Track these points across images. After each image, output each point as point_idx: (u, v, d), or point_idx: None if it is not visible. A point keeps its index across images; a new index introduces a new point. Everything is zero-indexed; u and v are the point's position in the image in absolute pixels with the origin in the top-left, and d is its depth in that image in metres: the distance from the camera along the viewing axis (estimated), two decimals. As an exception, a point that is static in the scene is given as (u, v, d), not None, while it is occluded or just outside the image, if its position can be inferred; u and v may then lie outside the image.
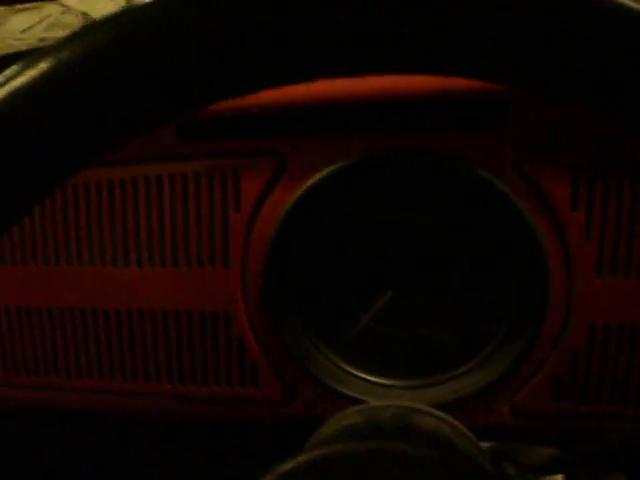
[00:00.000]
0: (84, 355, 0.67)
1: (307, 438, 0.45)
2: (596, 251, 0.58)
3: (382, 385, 0.65)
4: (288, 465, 0.36)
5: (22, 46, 1.42)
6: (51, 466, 0.64)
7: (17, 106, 0.24)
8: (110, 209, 0.64)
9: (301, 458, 0.36)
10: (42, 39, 1.36)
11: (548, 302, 0.59)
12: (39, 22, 1.63)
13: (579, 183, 0.57)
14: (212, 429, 0.69)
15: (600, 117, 0.54)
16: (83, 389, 0.68)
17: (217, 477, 0.66)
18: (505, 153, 0.58)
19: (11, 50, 1.16)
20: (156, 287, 0.64)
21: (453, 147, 0.59)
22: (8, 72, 0.24)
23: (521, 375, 0.61)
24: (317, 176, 0.60)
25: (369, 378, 0.65)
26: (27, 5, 1.54)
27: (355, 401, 0.61)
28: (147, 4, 0.25)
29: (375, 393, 0.63)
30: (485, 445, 0.50)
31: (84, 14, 1.57)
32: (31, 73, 0.25)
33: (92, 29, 0.25)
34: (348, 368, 0.65)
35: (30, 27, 1.63)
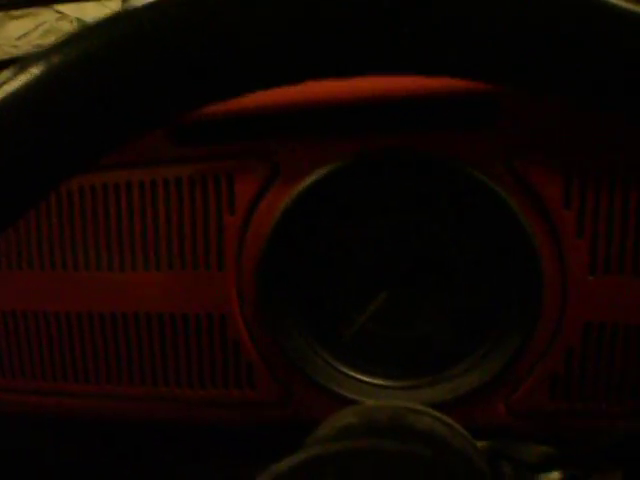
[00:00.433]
0: (80, 359, 0.67)
1: (303, 439, 0.45)
2: (589, 249, 0.58)
3: (378, 386, 0.65)
4: (282, 465, 0.36)
5: (18, 53, 1.42)
6: (48, 470, 0.64)
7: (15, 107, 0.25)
8: (105, 213, 0.64)
9: (295, 458, 0.37)
10: (37, 46, 1.37)
11: (542, 301, 0.59)
12: (34, 29, 1.63)
13: (571, 182, 0.58)
14: (209, 431, 0.69)
15: (591, 116, 0.54)
16: (79, 393, 0.68)
17: (214, 479, 0.66)
18: (497, 153, 0.58)
19: (7, 57, 1.16)
20: (151, 291, 0.64)
21: (444, 148, 0.59)
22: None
23: (517, 374, 0.61)
24: (310, 178, 0.60)
25: (365, 379, 0.65)
26: (23, 12, 1.54)
27: (351, 402, 0.61)
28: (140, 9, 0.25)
29: (371, 394, 0.63)
30: (481, 444, 0.51)
31: (79, 20, 1.57)
32: (22, 78, 0.25)
33: (87, 32, 0.25)
34: (344, 369, 0.65)
35: (25, 34, 1.63)
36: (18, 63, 0.25)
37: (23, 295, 0.68)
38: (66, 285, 0.66)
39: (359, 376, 0.65)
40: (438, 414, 0.52)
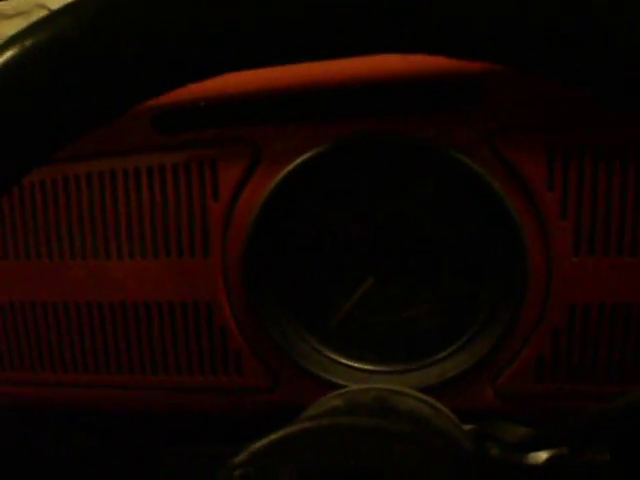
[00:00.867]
0: (68, 349, 0.67)
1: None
2: (573, 230, 0.58)
3: (365, 371, 0.65)
4: (261, 442, 0.37)
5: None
6: (39, 460, 0.64)
7: None
8: (89, 202, 0.64)
9: (273, 435, 0.37)
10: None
11: (527, 283, 0.59)
12: (26, 26, 1.62)
13: (554, 163, 0.57)
14: (197, 419, 0.69)
15: (574, 97, 0.54)
16: (66, 383, 0.68)
17: (202, 465, 0.66)
18: (480, 135, 0.58)
19: None
20: (137, 279, 0.64)
21: (427, 130, 0.59)
22: None
23: (503, 357, 0.61)
24: (293, 164, 0.60)
25: (352, 364, 0.65)
26: (15, 11, 1.54)
27: (339, 387, 0.60)
28: None
29: (358, 379, 0.63)
30: (467, 427, 0.51)
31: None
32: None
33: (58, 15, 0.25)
34: (331, 354, 0.65)
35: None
36: None
37: (10, 286, 0.68)
38: (51, 275, 0.66)
39: (346, 361, 0.65)
40: (423, 396, 0.53)
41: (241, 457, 0.36)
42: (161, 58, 0.26)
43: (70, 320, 0.67)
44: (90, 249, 0.65)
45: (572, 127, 0.57)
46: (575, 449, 0.49)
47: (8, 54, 0.25)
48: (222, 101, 0.60)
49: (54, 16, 0.26)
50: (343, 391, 0.54)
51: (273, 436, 0.36)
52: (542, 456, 0.46)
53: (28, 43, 0.25)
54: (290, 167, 0.60)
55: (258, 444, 0.36)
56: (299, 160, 0.60)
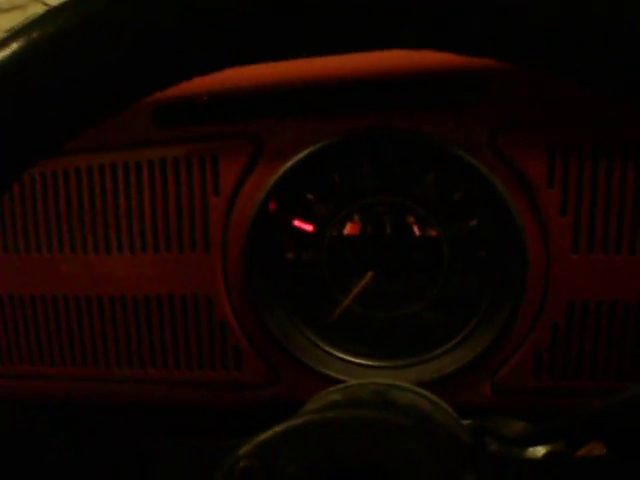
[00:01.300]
0: (67, 343, 0.67)
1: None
2: (572, 228, 0.58)
3: (364, 366, 0.65)
4: (265, 434, 0.37)
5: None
6: (34, 453, 0.64)
7: None
8: (90, 195, 0.64)
9: (276, 428, 0.37)
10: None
11: (526, 279, 0.59)
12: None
13: (554, 160, 0.58)
14: (196, 413, 0.69)
15: (575, 95, 0.54)
16: (66, 377, 0.68)
17: (202, 460, 0.66)
18: (481, 131, 0.58)
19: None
20: (137, 273, 0.64)
21: (429, 126, 0.59)
22: None
23: (501, 353, 0.61)
24: (294, 158, 0.60)
25: (351, 359, 0.65)
26: (11, 5, 1.54)
27: (338, 382, 0.59)
28: None
29: (357, 374, 0.63)
30: (466, 423, 0.51)
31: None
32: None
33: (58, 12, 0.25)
34: (330, 349, 0.65)
35: (14, 28, 1.62)
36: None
37: (8, 279, 0.68)
38: (51, 268, 0.66)
39: (346, 356, 0.65)
40: (422, 391, 0.52)
41: (245, 449, 0.36)
42: (164, 52, 0.25)
43: (69, 313, 0.67)
44: (90, 243, 0.65)
45: (573, 126, 0.58)
46: (573, 444, 0.49)
47: (10, 48, 0.25)
48: (224, 95, 0.60)
49: (55, 11, 0.26)
50: (342, 386, 0.54)
51: (277, 428, 0.36)
52: (540, 451, 0.47)
53: (31, 37, 0.25)
54: (291, 162, 0.60)
55: (262, 436, 0.36)
56: (300, 155, 0.60)
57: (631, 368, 0.59)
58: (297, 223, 0.64)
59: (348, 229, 0.64)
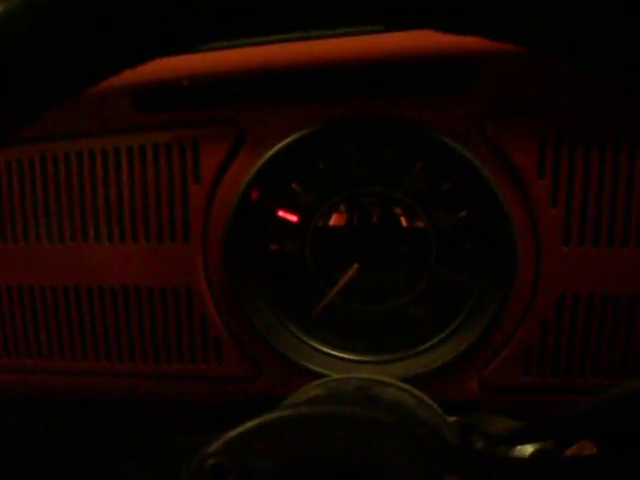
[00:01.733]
0: (44, 335, 0.65)
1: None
2: (563, 219, 0.56)
3: (349, 360, 0.64)
4: (235, 431, 0.35)
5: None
6: (13, 448, 0.62)
7: None
8: (67, 183, 0.62)
9: (249, 424, 0.35)
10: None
11: (515, 272, 0.58)
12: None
13: (545, 149, 0.56)
14: (176, 408, 0.67)
15: (567, 84, 0.52)
16: (43, 370, 0.66)
17: (171, 456, 0.64)
18: (471, 120, 0.57)
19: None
20: (116, 263, 0.63)
21: (417, 113, 0.57)
22: None
23: (489, 348, 0.60)
24: (278, 145, 0.58)
25: (335, 353, 0.64)
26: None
27: (321, 377, 0.59)
28: None
29: (341, 369, 0.62)
30: (452, 419, 0.49)
31: None
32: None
33: None
34: (314, 343, 0.64)
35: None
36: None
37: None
38: (27, 258, 0.65)
39: (330, 351, 0.64)
40: (407, 386, 0.51)
41: (214, 446, 0.34)
42: (134, 28, 0.24)
43: (46, 304, 0.65)
44: (68, 232, 0.63)
45: (565, 114, 0.56)
46: (561, 443, 0.48)
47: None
48: (206, 80, 0.58)
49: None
50: (324, 380, 0.53)
51: (248, 424, 0.35)
52: (528, 449, 0.46)
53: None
54: (275, 149, 0.59)
55: (232, 433, 0.34)
56: (284, 142, 0.58)
57: (623, 364, 0.58)
58: (281, 213, 0.63)
59: (333, 220, 0.63)
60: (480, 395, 0.61)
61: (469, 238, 0.61)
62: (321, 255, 0.63)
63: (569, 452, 0.50)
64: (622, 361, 0.58)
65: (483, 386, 0.61)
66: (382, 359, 0.63)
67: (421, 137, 0.58)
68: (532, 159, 0.56)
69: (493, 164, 0.57)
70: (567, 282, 0.57)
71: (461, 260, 0.61)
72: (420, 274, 0.62)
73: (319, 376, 0.60)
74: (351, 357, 0.64)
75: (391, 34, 0.55)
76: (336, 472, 0.35)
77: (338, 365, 0.63)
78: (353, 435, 0.35)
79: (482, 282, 0.61)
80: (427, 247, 0.62)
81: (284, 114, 0.58)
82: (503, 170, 0.57)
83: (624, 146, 0.55)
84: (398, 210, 0.62)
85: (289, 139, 0.58)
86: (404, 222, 0.62)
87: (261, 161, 0.59)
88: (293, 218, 0.63)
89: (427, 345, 0.63)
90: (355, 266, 0.63)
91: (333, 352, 0.64)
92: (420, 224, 0.62)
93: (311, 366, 0.62)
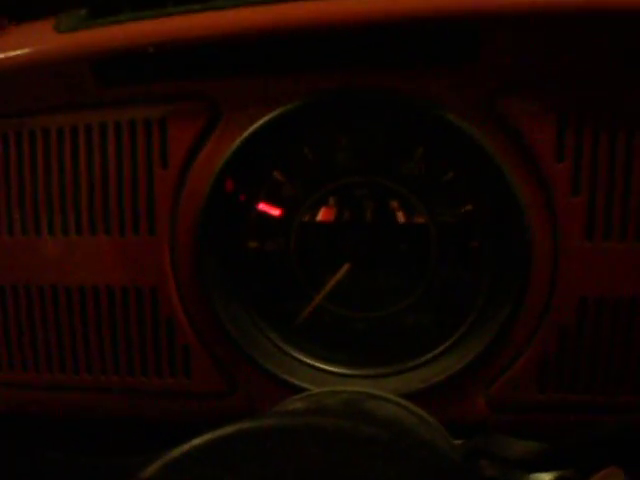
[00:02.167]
0: None
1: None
2: (585, 210, 0.50)
3: (338, 374, 0.58)
4: (175, 452, 0.28)
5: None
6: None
7: None
8: (17, 167, 0.56)
9: (193, 442, 0.28)
10: None
11: (529, 272, 0.52)
12: None
13: (565, 128, 0.50)
14: (138, 426, 0.60)
15: (592, 50, 0.46)
16: None
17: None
18: (477, 93, 0.51)
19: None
20: (71, 259, 0.56)
21: (415, 87, 0.51)
22: None
23: (499, 360, 0.54)
24: (257, 124, 0.53)
25: (321, 366, 0.58)
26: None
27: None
28: None
29: (330, 384, 0.56)
30: (458, 442, 0.43)
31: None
32: None
33: None
34: (297, 355, 0.59)
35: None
36: None
37: None
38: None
39: (315, 363, 0.59)
40: (405, 402, 0.45)
41: (150, 470, 0.27)
42: None
43: None
44: (17, 223, 0.57)
45: (586, 87, 0.50)
46: (584, 470, 0.41)
47: None
48: (175, 48, 0.52)
49: None
50: (309, 393, 0.46)
51: (192, 443, 0.27)
52: (545, 478, 0.39)
53: None
54: (253, 128, 0.53)
55: (172, 454, 0.27)
56: (264, 119, 0.52)
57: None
58: (262, 207, 0.58)
59: (321, 214, 0.58)
60: (488, 414, 0.55)
61: (475, 234, 0.55)
62: (307, 254, 0.58)
63: (593, 480, 0.44)
64: None
65: (492, 404, 0.54)
66: (375, 373, 0.57)
67: (420, 114, 0.52)
68: (549, 139, 0.50)
69: (504, 146, 0.51)
70: (589, 282, 0.51)
71: (466, 260, 0.56)
72: (419, 276, 0.57)
73: (303, 391, 0.53)
74: (339, 370, 0.58)
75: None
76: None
77: (326, 380, 0.57)
78: (333, 453, 0.27)
79: (490, 284, 0.55)
80: (427, 245, 0.56)
81: (264, 88, 0.53)
82: (516, 153, 0.51)
83: None
84: (394, 203, 0.56)
85: (269, 116, 0.52)
86: (401, 217, 0.57)
87: (237, 142, 0.53)
88: (275, 212, 0.58)
89: (427, 357, 0.57)
90: (345, 267, 0.57)
91: (319, 365, 0.58)
92: (419, 219, 0.56)
93: (294, 380, 0.56)
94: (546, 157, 0.50)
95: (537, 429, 0.54)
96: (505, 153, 0.51)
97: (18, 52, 0.53)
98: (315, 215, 0.57)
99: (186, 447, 0.28)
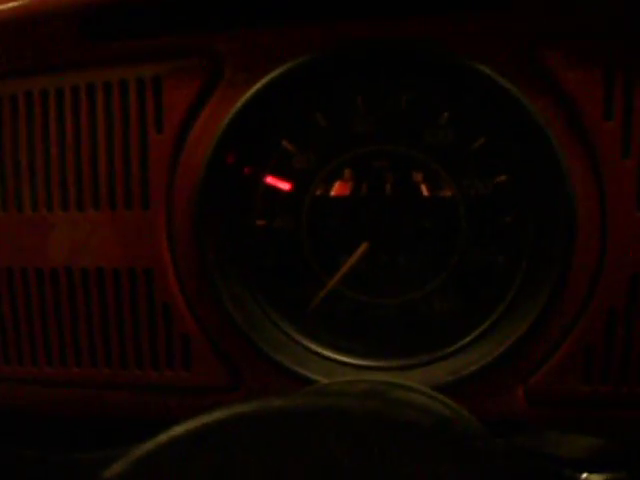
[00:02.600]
0: None
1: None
2: (637, 174, 0.46)
3: (355, 366, 0.54)
4: (143, 448, 0.23)
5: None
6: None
7: None
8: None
9: (161, 437, 0.24)
10: None
11: (573, 249, 0.48)
12: None
13: (613, 83, 0.46)
14: (133, 423, 0.55)
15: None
16: None
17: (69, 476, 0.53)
18: (514, 43, 0.47)
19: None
20: (57, 237, 0.53)
21: (444, 36, 0.47)
22: None
23: (539, 348, 0.50)
24: (262, 81, 0.49)
25: (336, 357, 0.55)
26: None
27: (318, 386, 0.51)
28: None
29: (344, 376, 0.53)
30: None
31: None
32: None
33: None
34: (309, 344, 0.55)
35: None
36: None
37: None
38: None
39: (329, 354, 0.55)
40: (435, 393, 0.40)
41: (115, 469, 0.24)
42: None
43: None
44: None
45: (636, 36, 0.46)
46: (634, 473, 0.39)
47: None
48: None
49: None
50: (319, 385, 0.41)
51: (160, 438, 0.23)
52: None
53: None
54: (257, 86, 0.49)
55: (139, 451, 0.22)
56: (270, 76, 0.49)
57: None
58: (269, 180, 0.55)
59: (336, 188, 0.54)
60: (528, 408, 0.50)
61: (510, 208, 0.51)
62: (320, 233, 0.55)
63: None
64: None
65: (531, 397, 0.50)
66: (397, 364, 0.53)
67: (448, 68, 0.48)
68: (596, 94, 0.47)
69: (544, 100, 0.47)
70: None
71: (499, 237, 0.52)
72: (446, 256, 0.53)
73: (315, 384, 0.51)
74: (356, 362, 0.54)
75: None
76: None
77: (340, 372, 0.54)
78: (362, 443, 0.21)
79: (528, 264, 0.51)
80: (455, 222, 0.53)
81: (271, 41, 0.49)
82: (556, 108, 0.47)
83: None
84: (418, 175, 0.53)
85: (276, 72, 0.49)
86: (425, 190, 0.53)
87: (240, 103, 0.49)
88: (284, 186, 0.55)
89: (456, 347, 0.54)
90: (363, 246, 0.53)
91: (334, 356, 0.55)
92: (446, 192, 0.53)
93: (306, 373, 0.52)
94: (592, 115, 0.47)
95: (581, 425, 0.50)
96: (544, 108, 0.47)
97: (-5, 7, 0.49)
98: (329, 189, 0.54)
99: (149, 446, 0.23)
